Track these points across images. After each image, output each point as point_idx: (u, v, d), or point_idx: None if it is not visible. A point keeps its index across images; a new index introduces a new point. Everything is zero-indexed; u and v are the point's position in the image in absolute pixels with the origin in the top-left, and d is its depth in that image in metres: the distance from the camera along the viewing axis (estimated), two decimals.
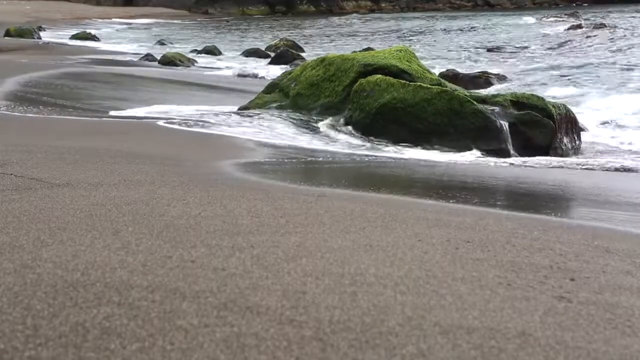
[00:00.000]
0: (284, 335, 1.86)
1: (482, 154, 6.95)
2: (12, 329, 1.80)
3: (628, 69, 15.80)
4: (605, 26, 26.98)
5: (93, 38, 26.64)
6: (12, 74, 10.91)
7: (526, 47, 22.51)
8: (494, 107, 7.31)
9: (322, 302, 2.09)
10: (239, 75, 15.29)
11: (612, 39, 22.83)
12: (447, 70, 15.39)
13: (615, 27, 27.12)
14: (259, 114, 8.23)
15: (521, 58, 20.09)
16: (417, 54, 9.10)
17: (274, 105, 8.52)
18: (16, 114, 7.39)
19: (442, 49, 24.20)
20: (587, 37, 23.47)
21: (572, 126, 7.69)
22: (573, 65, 17.23)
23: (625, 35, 23.91)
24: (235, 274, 2.29)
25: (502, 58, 20.37)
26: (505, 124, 7.18)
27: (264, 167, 5.18)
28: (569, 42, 22.69)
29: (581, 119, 8.32)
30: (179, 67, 16.61)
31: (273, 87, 9.00)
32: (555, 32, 26.82)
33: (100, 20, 48.75)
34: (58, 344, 1.74)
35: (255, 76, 15.11)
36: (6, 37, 24.68)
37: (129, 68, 14.67)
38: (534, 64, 18.24)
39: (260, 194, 3.70)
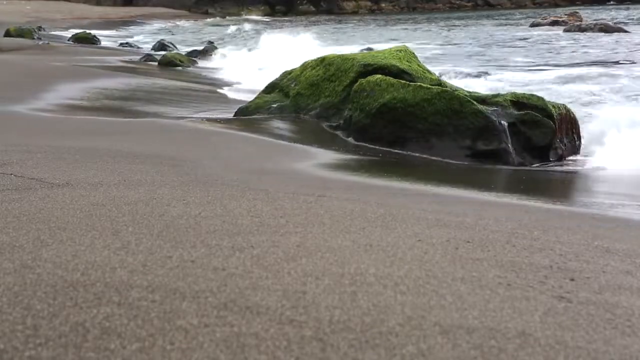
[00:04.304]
0: (284, 335, 1.86)
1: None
2: (12, 329, 1.80)
3: None
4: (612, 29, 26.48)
5: (93, 39, 26.60)
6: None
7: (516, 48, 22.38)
8: (494, 107, 7.31)
9: (322, 302, 2.10)
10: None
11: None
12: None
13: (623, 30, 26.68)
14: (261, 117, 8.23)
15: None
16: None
17: (274, 105, 8.52)
18: (19, 111, 7.39)
19: (440, 48, 24.19)
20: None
21: (572, 126, 7.68)
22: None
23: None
24: (235, 274, 2.29)
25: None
26: (505, 124, 7.18)
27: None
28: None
29: None
30: (179, 68, 16.61)
31: (273, 87, 8.99)
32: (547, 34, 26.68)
33: (99, 20, 48.73)
34: (58, 344, 1.74)
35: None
36: (6, 37, 24.65)
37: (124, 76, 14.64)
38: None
39: (261, 194, 3.70)
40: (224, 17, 58.97)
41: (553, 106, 7.51)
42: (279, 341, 1.82)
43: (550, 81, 13.55)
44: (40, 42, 22.31)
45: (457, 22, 41.47)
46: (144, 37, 33.23)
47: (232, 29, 36.38)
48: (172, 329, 1.85)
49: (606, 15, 40.28)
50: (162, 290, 2.12)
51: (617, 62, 16.73)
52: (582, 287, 2.42)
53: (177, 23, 40.32)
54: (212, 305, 2.02)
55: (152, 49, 23.22)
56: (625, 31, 26.04)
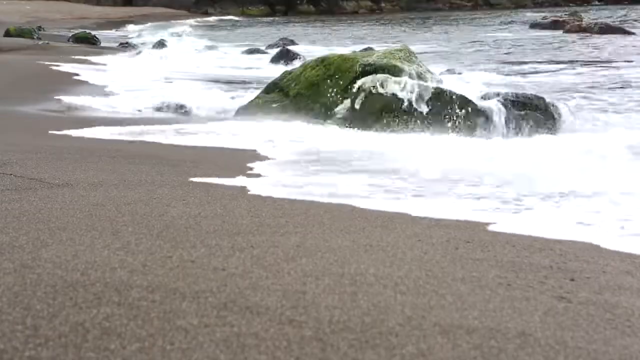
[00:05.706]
0: (284, 335, 1.86)
1: None
2: (12, 329, 1.80)
3: None
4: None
5: (92, 39, 26.56)
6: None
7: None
8: (493, 107, 7.33)
9: (322, 302, 2.10)
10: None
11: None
12: (448, 69, 15.37)
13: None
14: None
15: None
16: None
17: (274, 105, 8.51)
18: (19, 111, 7.39)
19: (443, 47, 24.15)
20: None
21: None
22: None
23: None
24: (235, 274, 2.30)
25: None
26: None
27: None
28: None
29: None
30: None
31: (273, 87, 8.99)
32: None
33: (99, 20, 48.69)
34: (58, 344, 1.74)
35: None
36: (6, 37, 24.61)
37: None
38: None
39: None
40: (224, 16, 58.96)
41: (553, 105, 7.53)
42: (279, 341, 1.82)
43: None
44: (40, 42, 22.27)
45: (456, 21, 41.40)
46: (144, 37, 33.16)
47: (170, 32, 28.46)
48: (172, 329, 1.85)
49: (607, 14, 40.19)
50: (162, 290, 2.12)
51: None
52: (582, 287, 2.42)
53: (130, 29, 38.57)
54: (212, 305, 2.02)
55: (154, 45, 23.22)
56: (630, 32, 25.26)
